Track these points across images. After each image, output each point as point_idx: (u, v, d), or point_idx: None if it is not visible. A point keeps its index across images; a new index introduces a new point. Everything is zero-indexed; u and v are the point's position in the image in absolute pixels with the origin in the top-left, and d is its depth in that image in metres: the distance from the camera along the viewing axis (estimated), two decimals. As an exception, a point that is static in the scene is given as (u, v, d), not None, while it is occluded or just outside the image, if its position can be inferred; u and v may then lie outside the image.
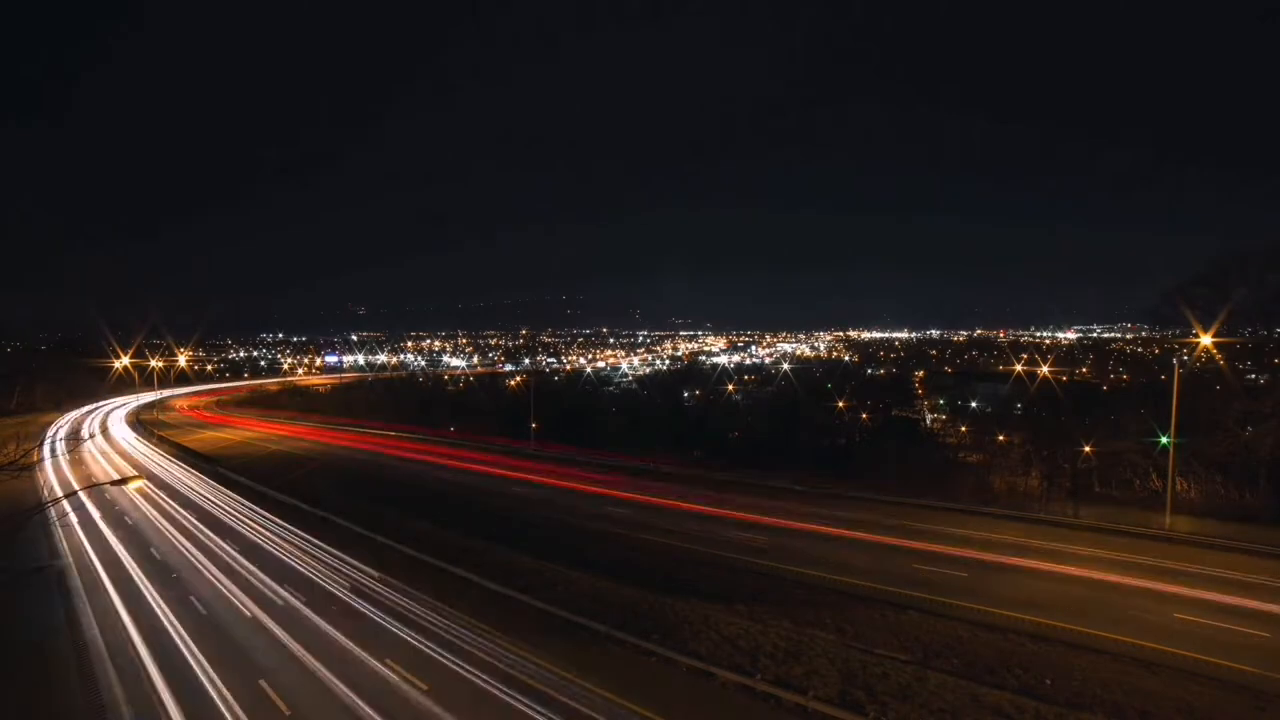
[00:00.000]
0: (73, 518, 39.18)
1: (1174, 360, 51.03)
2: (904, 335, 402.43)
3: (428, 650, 21.25)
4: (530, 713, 17.52)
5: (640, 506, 40.29)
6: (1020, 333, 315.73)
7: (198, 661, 20.96)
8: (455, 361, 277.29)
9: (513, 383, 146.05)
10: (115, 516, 39.93)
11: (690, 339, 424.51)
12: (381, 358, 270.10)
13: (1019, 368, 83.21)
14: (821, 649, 20.36)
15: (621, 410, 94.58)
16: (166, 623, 24.07)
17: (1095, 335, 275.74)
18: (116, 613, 25.17)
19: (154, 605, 25.80)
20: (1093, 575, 26.81)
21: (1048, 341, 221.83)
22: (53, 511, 38.89)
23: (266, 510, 40.31)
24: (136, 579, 28.87)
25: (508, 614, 23.99)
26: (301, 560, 30.79)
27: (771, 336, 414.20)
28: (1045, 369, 71.01)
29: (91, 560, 31.59)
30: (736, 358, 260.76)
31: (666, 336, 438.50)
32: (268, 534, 35.44)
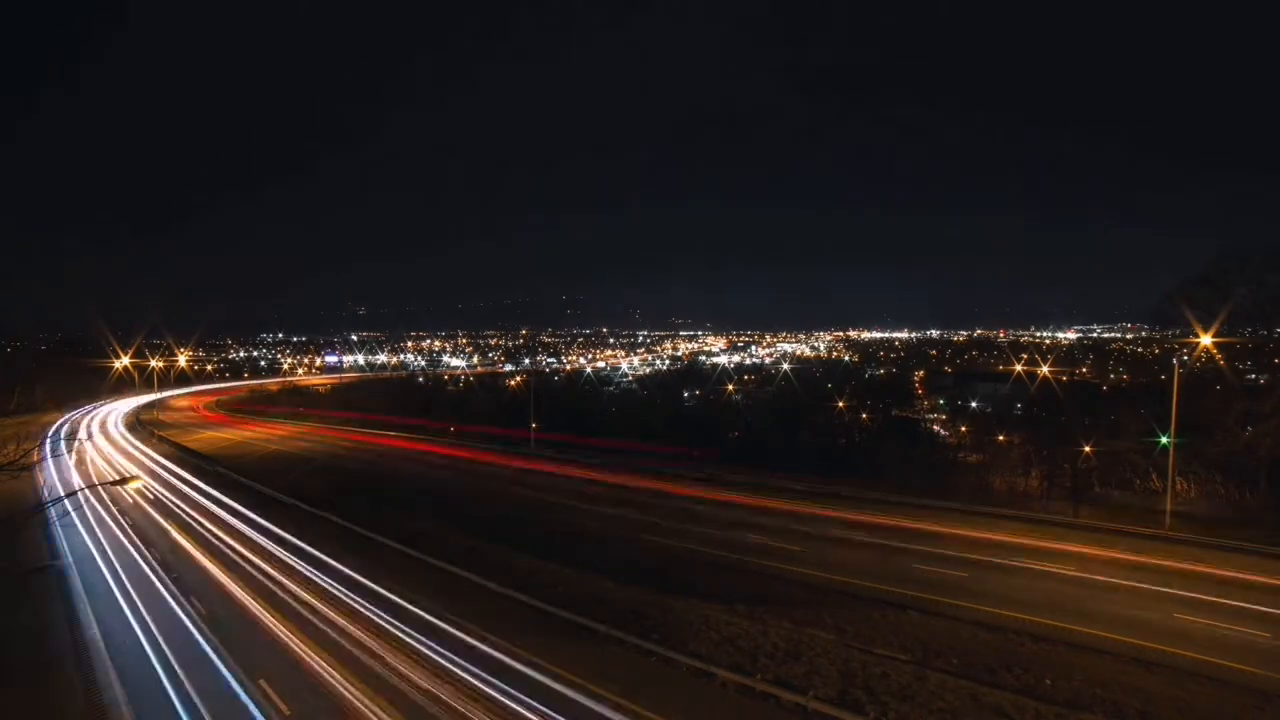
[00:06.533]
0: (73, 517, 39.17)
1: (1174, 360, 51.04)
2: (904, 335, 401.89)
3: (428, 649, 21.29)
4: (530, 712, 17.53)
5: (640, 507, 40.30)
6: (1020, 333, 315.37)
7: (198, 661, 20.98)
8: (455, 361, 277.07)
9: (513, 382, 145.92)
10: (115, 516, 39.91)
11: (690, 339, 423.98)
12: (381, 358, 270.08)
13: (1019, 368, 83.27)
14: (821, 649, 20.39)
15: (621, 410, 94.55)
16: (167, 622, 24.09)
17: (1095, 335, 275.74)
18: (116, 612, 25.17)
19: (154, 605, 25.80)
20: (1093, 575, 26.83)
21: (1048, 341, 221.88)
22: (53, 511, 38.89)
23: (266, 510, 40.30)
24: (136, 578, 28.86)
25: (508, 614, 24.03)
26: (301, 560, 30.80)
27: (771, 336, 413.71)
28: (1045, 369, 71.02)
29: (91, 560, 31.59)
30: (736, 358, 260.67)
31: (666, 336, 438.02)
32: (267, 534, 35.44)
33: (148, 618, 24.56)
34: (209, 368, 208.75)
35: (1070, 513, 36.21)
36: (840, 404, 73.60)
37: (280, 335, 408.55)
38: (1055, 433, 45.89)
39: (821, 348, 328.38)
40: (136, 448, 68.52)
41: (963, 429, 67.00)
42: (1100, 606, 23.73)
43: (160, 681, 19.82)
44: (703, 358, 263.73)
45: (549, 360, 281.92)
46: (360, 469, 55.68)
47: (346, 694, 18.67)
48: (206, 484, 48.96)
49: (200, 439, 73.86)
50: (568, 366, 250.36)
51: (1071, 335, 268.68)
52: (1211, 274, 42.70)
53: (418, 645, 21.60)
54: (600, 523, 36.95)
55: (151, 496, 44.97)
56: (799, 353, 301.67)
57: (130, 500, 43.98)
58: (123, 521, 38.68)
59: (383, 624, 23.34)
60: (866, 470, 46.33)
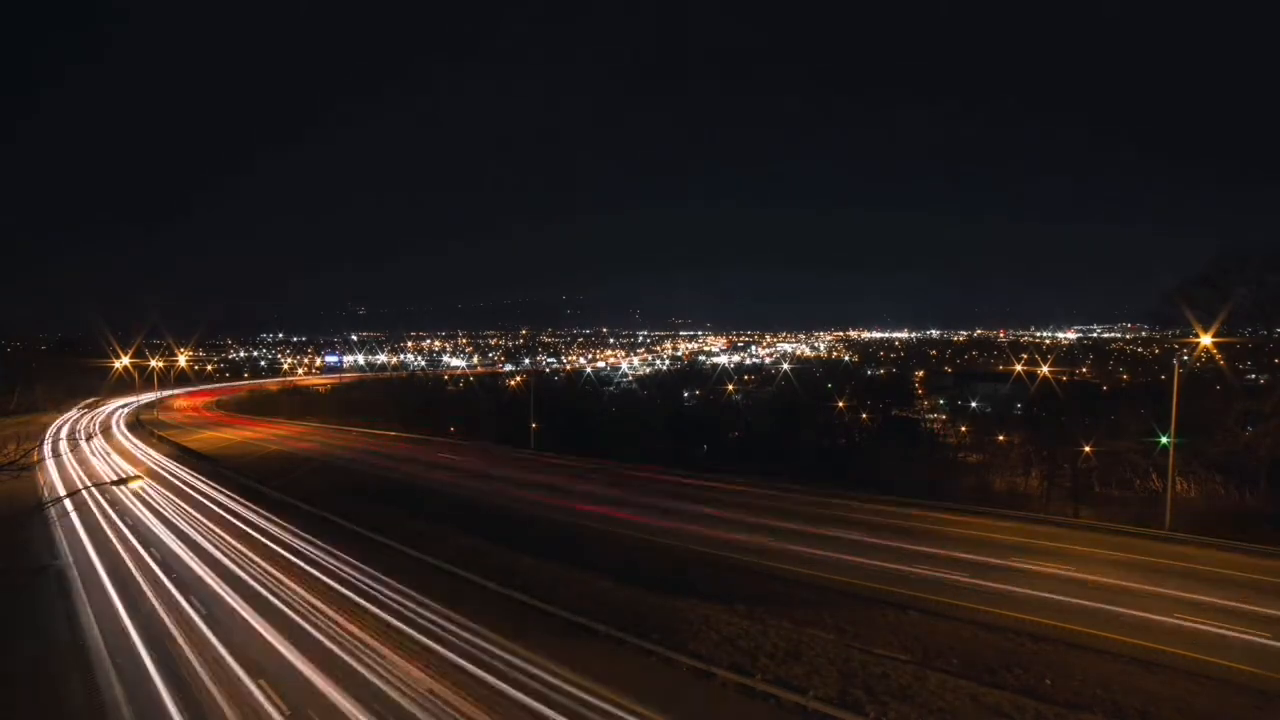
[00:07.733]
0: (73, 517, 39.17)
1: (1174, 360, 51.03)
2: (904, 335, 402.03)
3: (427, 650, 21.28)
4: (530, 712, 17.53)
5: (641, 507, 40.27)
6: (1020, 333, 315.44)
7: (197, 661, 20.97)
8: (455, 361, 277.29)
9: (513, 383, 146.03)
10: (115, 516, 39.90)
11: (690, 339, 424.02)
12: (381, 358, 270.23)
13: (1019, 368, 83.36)
14: (821, 649, 20.38)
15: (621, 410, 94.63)
16: (166, 622, 24.08)
17: (1095, 335, 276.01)
18: (116, 612, 25.16)
19: (154, 605, 25.80)
20: (1093, 575, 26.79)
21: (1048, 341, 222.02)
22: (53, 511, 38.91)
23: (266, 510, 40.31)
24: (136, 579, 28.85)
25: (508, 614, 24.03)
26: (301, 560, 30.80)
27: (771, 336, 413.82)
28: (1045, 369, 70.99)
29: (91, 560, 31.57)
30: (736, 358, 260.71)
31: (666, 336, 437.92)
32: (267, 534, 35.44)
33: (147, 617, 24.57)
34: (209, 368, 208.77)
35: (1070, 513, 36.25)
36: (840, 404, 73.64)
37: (280, 335, 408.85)
38: (1055, 433, 45.89)
39: (821, 348, 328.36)
40: (137, 447, 68.54)
41: (963, 429, 67.10)
42: (1100, 606, 23.68)
43: (159, 682, 19.81)
44: (703, 358, 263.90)
45: (549, 360, 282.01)
46: (358, 469, 55.66)
47: (346, 694, 18.67)
48: (207, 484, 49.00)
49: (200, 439, 73.86)
50: (568, 366, 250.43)
51: (1071, 335, 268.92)
52: (1211, 274, 42.63)
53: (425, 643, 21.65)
54: (599, 524, 36.88)
55: (152, 496, 44.97)
56: (799, 353, 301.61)
57: (130, 500, 43.98)
58: (123, 522, 38.68)
59: (382, 621, 23.39)
60: (866, 470, 46.34)
